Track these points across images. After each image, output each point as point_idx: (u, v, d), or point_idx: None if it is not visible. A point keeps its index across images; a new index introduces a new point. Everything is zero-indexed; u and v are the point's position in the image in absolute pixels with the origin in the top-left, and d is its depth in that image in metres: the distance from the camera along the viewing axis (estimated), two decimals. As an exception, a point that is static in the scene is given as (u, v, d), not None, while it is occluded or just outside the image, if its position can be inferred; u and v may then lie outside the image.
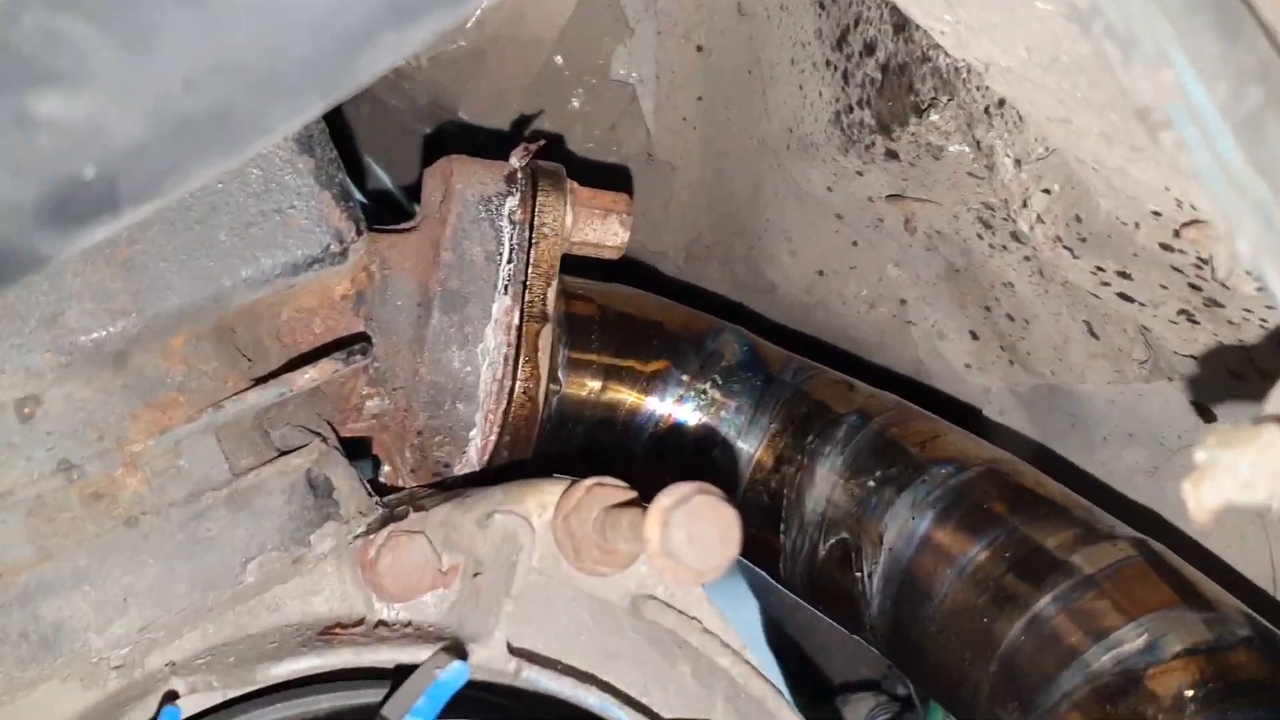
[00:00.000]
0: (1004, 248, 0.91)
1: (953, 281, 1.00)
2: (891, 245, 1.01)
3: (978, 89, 0.78)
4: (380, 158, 1.38)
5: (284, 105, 0.38)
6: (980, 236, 0.92)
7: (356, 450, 0.89)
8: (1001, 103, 0.76)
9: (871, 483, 0.86)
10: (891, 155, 0.89)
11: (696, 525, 0.54)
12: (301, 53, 0.37)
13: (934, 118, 0.82)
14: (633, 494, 0.65)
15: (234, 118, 0.38)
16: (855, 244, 1.05)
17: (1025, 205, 0.79)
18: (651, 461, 0.92)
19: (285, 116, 0.39)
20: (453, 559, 0.71)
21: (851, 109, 0.90)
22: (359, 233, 0.73)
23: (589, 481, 0.66)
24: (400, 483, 0.87)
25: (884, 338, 1.10)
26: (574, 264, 0.92)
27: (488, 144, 1.16)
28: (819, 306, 1.11)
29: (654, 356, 0.92)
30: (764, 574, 0.93)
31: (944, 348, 1.06)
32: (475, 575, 0.69)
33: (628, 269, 1.23)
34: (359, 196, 1.34)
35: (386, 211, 1.39)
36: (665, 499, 0.55)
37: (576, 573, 0.67)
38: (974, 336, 1.03)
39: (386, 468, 0.89)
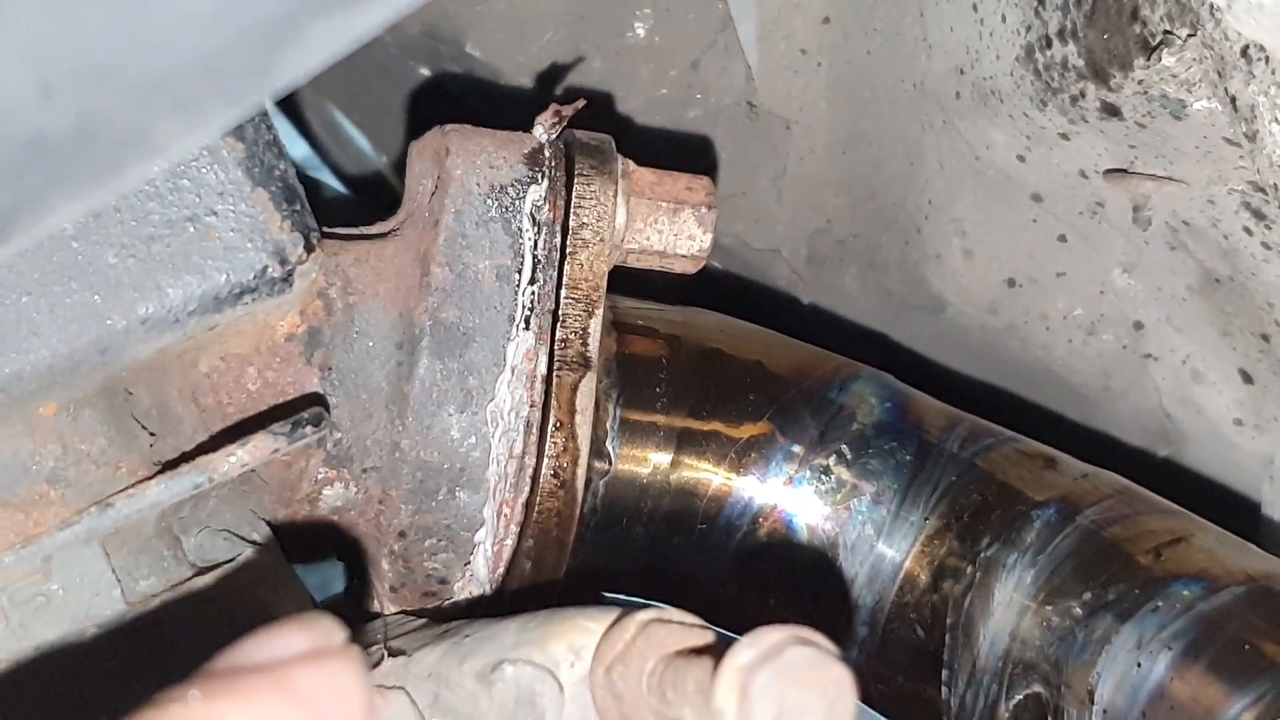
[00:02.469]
0: (1286, 247, 0.93)
1: (1211, 297, 1.01)
2: (1118, 242, 1.03)
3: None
4: (354, 113, 1.42)
5: (175, 117, 0.42)
6: (1249, 231, 0.94)
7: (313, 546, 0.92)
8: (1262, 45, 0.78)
9: (1078, 610, 0.87)
10: (1110, 111, 0.91)
11: (790, 693, 0.57)
12: (194, 50, 0.41)
13: (1168, 60, 0.84)
14: (707, 635, 0.68)
15: (106, 135, 0.42)
16: (1063, 239, 1.06)
17: (1305, 193, 0.81)
18: (748, 576, 0.95)
19: (178, 131, 0.42)
20: (446, 728, 0.74)
21: (1049, 42, 0.92)
22: (309, 248, 0.77)
23: (643, 616, 0.69)
24: (376, 606, 0.91)
25: (1109, 379, 1.11)
26: (631, 280, 0.95)
27: (511, 96, 1.19)
28: (1009, 333, 1.13)
29: (750, 416, 0.95)
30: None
31: (1201, 395, 1.07)
32: (479, 752, 0.72)
33: (715, 283, 1.26)
34: (330, 179, 1.38)
35: (365, 198, 1.43)
36: (744, 652, 0.57)
37: (626, 752, 0.70)
38: (1246, 378, 1.04)
39: (356, 581, 0.93)
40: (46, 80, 0.40)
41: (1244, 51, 0.80)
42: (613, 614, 0.71)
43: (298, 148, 1.50)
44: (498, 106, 1.21)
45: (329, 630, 0.46)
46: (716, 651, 0.65)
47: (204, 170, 0.75)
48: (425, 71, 1.30)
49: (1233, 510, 1.09)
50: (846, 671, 0.57)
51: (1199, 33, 0.82)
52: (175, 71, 0.41)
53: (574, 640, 0.71)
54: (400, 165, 1.37)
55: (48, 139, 0.41)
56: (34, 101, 0.41)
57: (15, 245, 0.44)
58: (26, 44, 0.40)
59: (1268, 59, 0.79)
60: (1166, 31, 0.84)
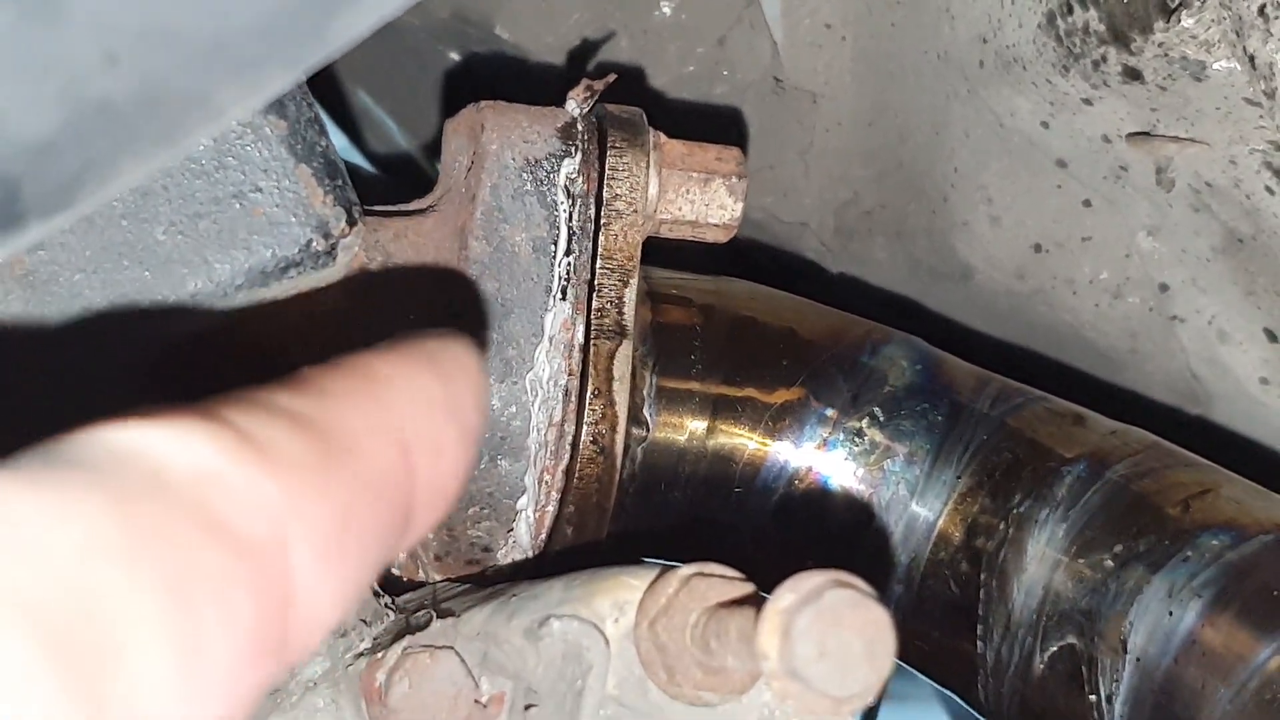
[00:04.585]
0: (1307, 205, 0.94)
1: (1235, 257, 1.02)
2: (1142, 206, 1.04)
3: (1247, -22, 0.81)
4: (385, 98, 1.44)
5: (234, 81, 0.44)
6: (1271, 190, 0.95)
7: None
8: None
9: (1110, 562, 0.89)
10: (1132, 75, 0.92)
11: (831, 633, 0.58)
12: (255, 13, 0.42)
13: (1187, 21, 0.86)
14: (747, 587, 0.69)
15: (169, 100, 0.44)
16: (1088, 204, 1.08)
17: (1323, 148, 0.82)
18: (784, 538, 0.96)
19: (237, 95, 0.44)
20: (495, 685, 0.75)
21: (1070, 8, 0.94)
22: (351, 222, 0.79)
23: (685, 570, 0.71)
24: (422, 575, 0.93)
25: (1137, 341, 1.13)
26: (664, 251, 0.97)
27: (539, 78, 1.21)
28: (1037, 298, 1.14)
29: (783, 381, 0.97)
30: (954, 697, 0.97)
31: (1227, 355, 1.08)
32: (527, 708, 0.74)
33: (745, 257, 1.28)
34: (362, 163, 1.40)
35: (397, 181, 1.45)
36: (785, 596, 0.59)
37: (672, 702, 0.71)
38: (1271, 337, 1.05)
39: (403, 554, 0.94)
40: (112, 48, 0.42)
41: (1261, 10, 0.81)
42: (654, 570, 0.73)
43: (335, 139, 1.52)
44: (527, 89, 1.23)
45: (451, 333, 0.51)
46: (757, 601, 0.67)
47: (248, 148, 0.77)
48: (455, 55, 1.32)
49: (1262, 467, 1.10)
50: (885, 612, 0.59)
51: (1217, -8, 0.83)
52: (235, 35, 0.43)
53: (618, 596, 0.73)
54: (431, 149, 1.39)
55: (113, 105, 0.43)
56: (100, 69, 0.43)
57: (82, 208, 0.46)
58: (92, 13, 0.42)
59: (1285, 16, 0.80)
60: (1185, -8, 0.85)
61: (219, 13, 0.42)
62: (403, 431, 0.46)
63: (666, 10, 1.20)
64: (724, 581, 0.70)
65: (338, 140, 1.44)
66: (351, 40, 0.44)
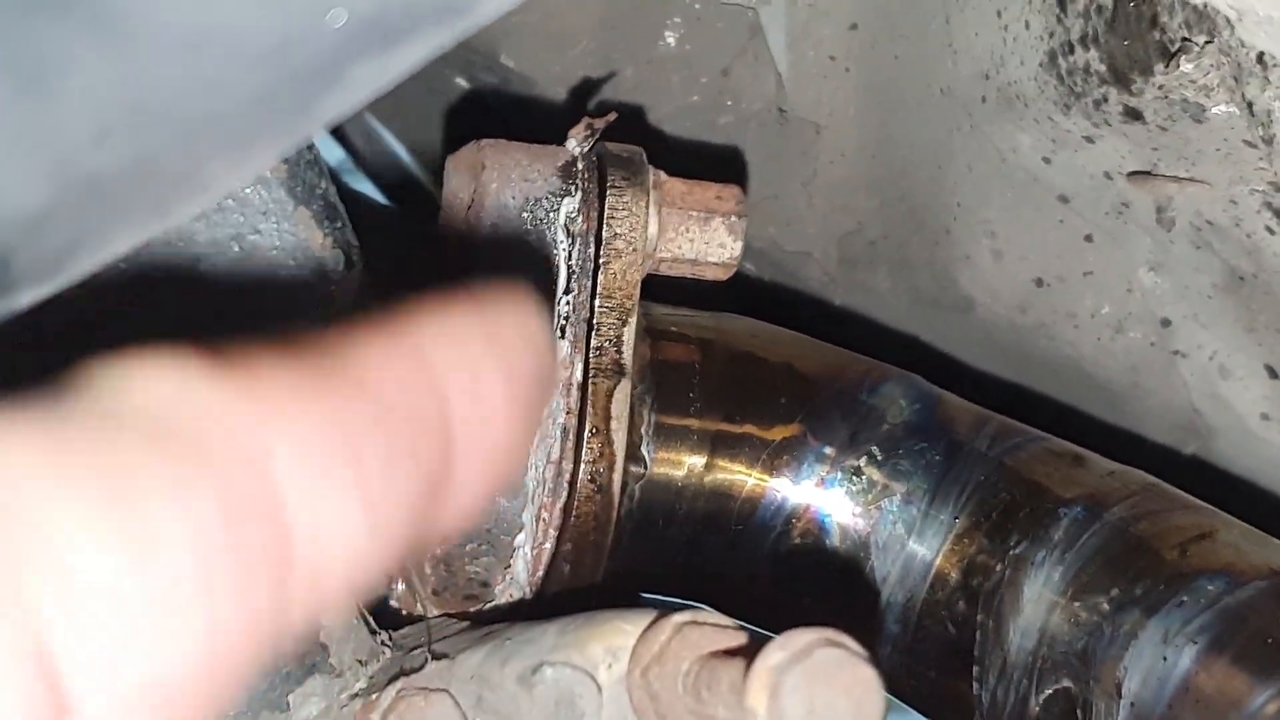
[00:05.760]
0: (1307, 245, 0.94)
1: (1236, 294, 1.02)
2: (1144, 242, 1.05)
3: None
4: (393, 123, 1.45)
5: (224, 156, 0.44)
6: (1271, 230, 0.95)
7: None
8: (1276, 53, 0.80)
9: (1106, 605, 0.89)
10: (1132, 115, 0.93)
11: (819, 692, 0.58)
12: (246, 91, 0.43)
13: (1186, 66, 0.86)
14: (740, 636, 0.70)
15: (159, 175, 0.44)
16: (1090, 239, 1.08)
17: (1321, 196, 0.83)
18: (782, 575, 0.97)
19: (226, 169, 0.45)
20: (489, 728, 0.76)
21: (1072, 48, 0.94)
22: (350, 264, 0.80)
23: (678, 618, 0.71)
24: (420, 609, 0.93)
25: (1138, 376, 1.13)
26: (666, 284, 0.97)
27: (546, 105, 1.21)
28: (1038, 332, 1.15)
29: (782, 418, 0.97)
30: (950, 738, 0.97)
31: (1228, 390, 1.08)
32: (521, 752, 0.74)
33: (748, 286, 1.28)
34: (372, 192, 1.41)
35: (402, 204, 1.45)
36: (775, 654, 0.59)
37: (664, 749, 0.72)
38: (1272, 374, 1.05)
39: (401, 585, 0.95)
40: (103, 124, 0.43)
41: (1259, 58, 0.82)
42: (649, 616, 0.73)
43: (333, 153, 1.52)
44: (534, 116, 1.24)
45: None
46: (750, 652, 0.67)
47: (248, 190, 0.77)
48: (461, 81, 1.32)
49: (1261, 504, 1.11)
50: (873, 671, 0.59)
51: (1216, 40, 0.83)
52: (226, 112, 0.43)
53: (612, 642, 0.73)
54: (438, 173, 1.40)
55: (104, 179, 0.44)
56: (91, 144, 0.43)
57: (74, 276, 0.47)
58: (84, 90, 0.42)
59: (1284, 65, 0.81)
60: (1185, 39, 0.85)
61: (209, 91, 0.43)
62: (425, 355, 0.42)
63: (671, 41, 1.20)
64: (717, 630, 0.70)
65: (340, 159, 1.45)
66: (339, 117, 0.45)
